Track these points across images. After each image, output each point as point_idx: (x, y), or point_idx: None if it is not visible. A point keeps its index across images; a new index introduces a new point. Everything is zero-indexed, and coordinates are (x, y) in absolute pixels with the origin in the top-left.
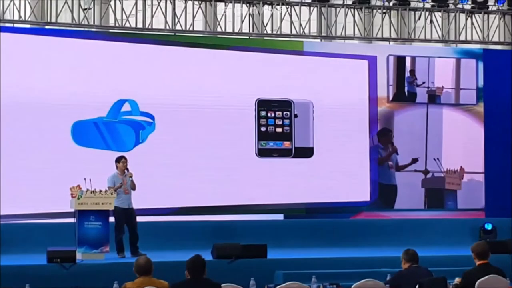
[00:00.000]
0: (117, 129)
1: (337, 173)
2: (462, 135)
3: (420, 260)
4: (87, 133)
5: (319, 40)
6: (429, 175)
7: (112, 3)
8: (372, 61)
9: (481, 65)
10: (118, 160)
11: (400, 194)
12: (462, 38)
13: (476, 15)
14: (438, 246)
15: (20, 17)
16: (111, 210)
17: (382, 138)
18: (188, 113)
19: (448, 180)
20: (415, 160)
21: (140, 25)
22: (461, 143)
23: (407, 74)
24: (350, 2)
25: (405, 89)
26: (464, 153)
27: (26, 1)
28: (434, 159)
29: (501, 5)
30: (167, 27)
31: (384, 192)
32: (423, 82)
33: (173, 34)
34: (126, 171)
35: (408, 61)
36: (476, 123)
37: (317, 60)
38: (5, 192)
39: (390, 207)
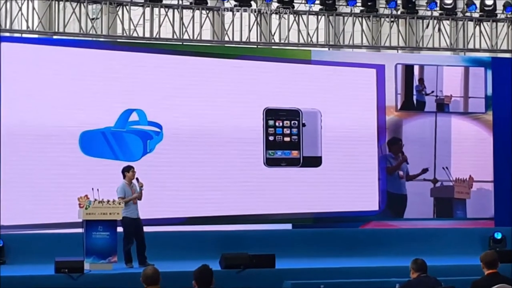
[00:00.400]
0: (124, 139)
1: (345, 182)
2: (471, 143)
3: (429, 270)
4: (95, 143)
5: (327, 48)
6: (438, 184)
7: (119, 12)
8: (380, 70)
9: (489, 73)
10: (126, 169)
11: (409, 203)
12: (471, 46)
13: (485, 23)
14: (447, 256)
15: (28, 27)
16: (119, 220)
17: (392, 147)
18: (196, 122)
19: (457, 189)
20: (425, 170)
21: (147, 35)
22: (470, 152)
23: (416, 82)
24: (358, 11)
25: (413, 98)
26: (473, 162)
27: (34, 11)
28: (443, 168)
29: (510, 12)
30: (175, 37)
31: (393, 201)
32: (432, 91)
33: (180, 43)
34: (136, 180)
35: (416, 70)
36: (485, 132)
37: (325, 69)
38: (13, 202)
39: (400, 216)
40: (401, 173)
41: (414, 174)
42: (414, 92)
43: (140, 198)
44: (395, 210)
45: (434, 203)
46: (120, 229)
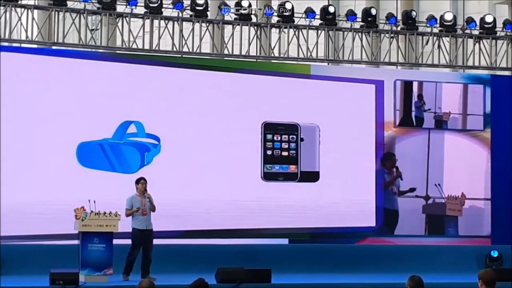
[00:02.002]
0: (122, 151)
1: (342, 198)
2: (466, 160)
3: (426, 287)
4: (92, 154)
5: (326, 63)
6: (430, 201)
7: (119, 24)
8: (379, 86)
9: (488, 90)
10: (137, 181)
11: (401, 220)
12: (470, 63)
13: (484, 41)
14: (444, 273)
15: (27, 37)
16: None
17: (386, 162)
18: (194, 135)
19: (449, 206)
20: (412, 190)
21: (147, 47)
22: (463, 169)
23: (415, 98)
24: (358, 26)
25: (412, 114)
26: (466, 179)
27: (34, 21)
28: (435, 184)
29: (509, 30)
30: (174, 49)
31: (388, 217)
32: (429, 108)
33: (180, 56)
34: (145, 192)
35: (415, 86)
36: (482, 149)
37: (324, 83)
38: (8, 213)
39: (391, 233)
40: (394, 188)
41: (402, 191)
42: (413, 108)
43: (153, 210)
44: (390, 227)
45: (426, 220)
46: (116, 241)
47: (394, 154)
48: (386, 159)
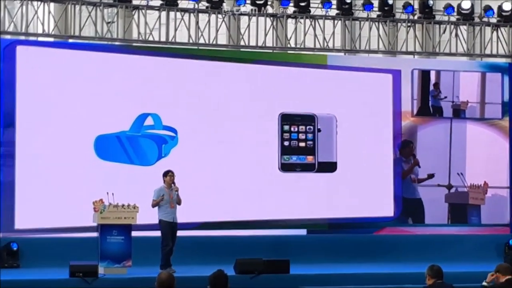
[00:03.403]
0: (139, 143)
1: (360, 188)
2: (487, 149)
3: (445, 276)
4: (109, 147)
5: (343, 53)
6: (452, 190)
7: (135, 16)
8: (396, 75)
9: (506, 79)
10: (165, 174)
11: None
12: (488, 51)
13: (502, 29)
14: (463, 262)
15: (43, 30)
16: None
17: (403, 150)
18: (211, 127)
19: (471, 195)
20: (430, 176)
21: (163, 39)
22: (485, 158)
23: (431, 87)
24: (375, 16)
25: (429, 103)
26: (488, 168)
27: (50, 14)
28: (458, 173)
29: None
30: (191, 41)
31: (409, 206)
32: (446, 96)
33: (196, 47)
34: (172, 185)
35: (432, 75)
36: (501, 138)
37: (341, 74)
38: (28, 206)
39: (420, 221)
40: (413, 176)
41: (420, 178)
42: (430, 97)
43: (179, 203)
44: (413, 215)
45: (449, 209)
46: (135, 233)
47: (412, 141)
48: (403, 147)
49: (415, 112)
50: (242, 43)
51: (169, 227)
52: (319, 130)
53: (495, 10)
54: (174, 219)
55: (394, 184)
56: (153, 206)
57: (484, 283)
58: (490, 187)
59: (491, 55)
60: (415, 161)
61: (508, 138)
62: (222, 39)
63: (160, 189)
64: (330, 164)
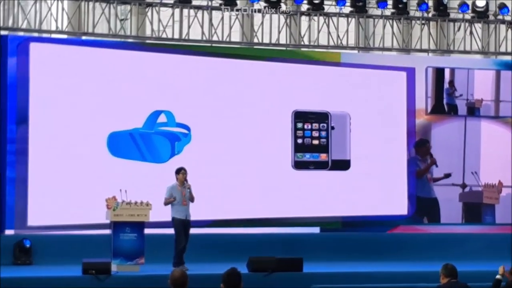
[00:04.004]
0: (152, 141)
1: (374, 186)
2: (501, 148)
3: (459, 275)
4: (123, 144)
5: (356, 51)
6: (466, 189)
7: (149, 13)
8: (410, 73)
9: None
10: (177, 171)
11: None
12: (502, 49)
13: None
14: (477, 261)
15: (57, 27)
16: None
17: (420, 149)
18: (224, 124)
19: (486, 194)
20: (447, 176)
21: (176, 36)
22: (499, 156)
23: (446, 85)
24: (389, 13)
25: (443, 101)
26: (502, 167)
27: (64, 11)
28: (472, 172)
29: None
30: (204, 38)
31: (425, 206)
32: (461, 94)
33: (209, 45)
34: (185, 182)
35: (447, 73)
36: None
37: (355, 71)
38: (40, 203)
39: (436, 221)
40: (429, 176)
41: (436, 178)
42: (445, 95)
43: (192, 200)
44: (426, 215)
45: (463, 208)
46: (147, 230)
47: (428, 141)
48: (419, 146)
49: (429, 110)
50: (255, 40)
51: (181, 225)
52: (332, 128)
53: (510, 8)
54: (187, 217)
55: (408, 182)
56: (165, 204)
57: (498, 276)
58: (504, 186)
59: (505, 53)
60: (432, 160)
61: None
62: (236, 37)
63: (172, 186)
64: (344, 162)
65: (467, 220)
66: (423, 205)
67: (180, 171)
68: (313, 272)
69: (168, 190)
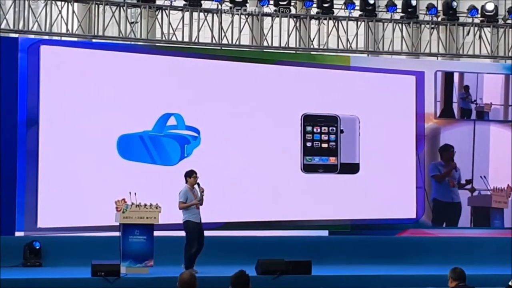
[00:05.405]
0: (162, 143)
1: (383, 190)
2: (510, 152)
3: (467, 279)
4: (132, 146)
5: (366, 55)
6: (475, 193)
7: (159, 16)
8: (419, 77)
9: None
10: (189, 175)
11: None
12: None
13: None
14: (486, 265)
15: (67, 30)
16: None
17: (444, 154)
18: (233, 127)
19: (495, 198)
20: (469, 182)
21: (186, 39)
22: (508, 161)
23: (461, 90)
24: (398, 17)
25: (453, 105)
26: (511, 171)
27: (74, 14)
28: (481, 176)
29: None
30: (214, 41)
31: (444, 210)
32: (475, 100)
33: (219, 48)
34: (197, 185)
35: (456, 77)
36: None
37: (364, 75)
38: (50, 205)
39: (452, 224)
40: (452, 181)
41: (461, 184)
42: (455, 99)
43: (201, 204)
44: (445, 219)
45: (471, 212)
46: (157, 233)
47: (452, 146)
48: (444, 150)
49: (438, 114)
50: (265, 43)
51: (197, 229)
52: (342, 131)
53: None
54: (200, 220)
55: (416, 185)
56: (182, 208)
57: (510, 283)
58: None
59: None
60: (452, 165)
61: None
62: (245, 40)
63: (186, 190)
64: (353, 165)
65: (476, 224)
66: (442, 209)
67: (192, 175)
68: (322, 275)
69: (183, 194)
